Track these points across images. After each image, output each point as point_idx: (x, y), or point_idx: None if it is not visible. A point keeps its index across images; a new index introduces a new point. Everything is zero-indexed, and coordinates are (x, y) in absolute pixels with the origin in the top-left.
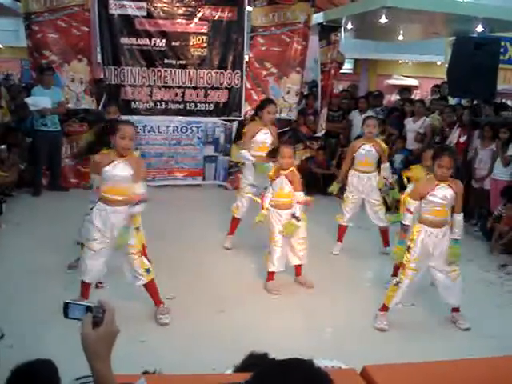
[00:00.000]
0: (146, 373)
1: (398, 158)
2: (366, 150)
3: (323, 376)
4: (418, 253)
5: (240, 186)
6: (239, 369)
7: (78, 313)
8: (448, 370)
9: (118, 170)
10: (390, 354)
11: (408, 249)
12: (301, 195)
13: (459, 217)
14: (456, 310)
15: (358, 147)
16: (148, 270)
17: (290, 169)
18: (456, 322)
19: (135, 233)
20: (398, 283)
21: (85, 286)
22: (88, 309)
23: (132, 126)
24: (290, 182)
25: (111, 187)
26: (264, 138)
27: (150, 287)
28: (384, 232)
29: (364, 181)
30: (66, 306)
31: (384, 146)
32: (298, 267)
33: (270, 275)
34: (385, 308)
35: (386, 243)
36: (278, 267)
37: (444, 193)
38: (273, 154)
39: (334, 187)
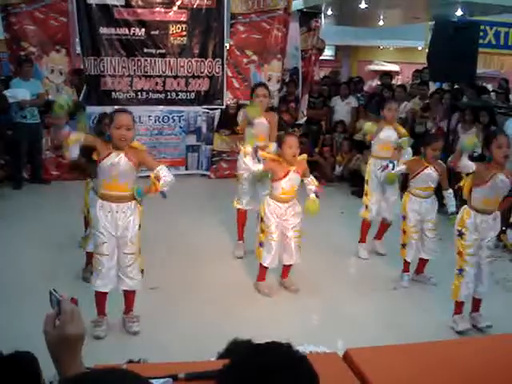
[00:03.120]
0: (130, 362)
1: None
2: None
3: (301, 359)
4: (472, 237)
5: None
6: (222, 356)
7: (53, 304)
8: (431, 351)
9: (115, 162)
10: (375, 339)
11: (461, 235)
12: (313, 180)
13: None
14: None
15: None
16: (142, 271)
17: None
18: (477, 324)
19: (137, 230)
20: (461, 271)
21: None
22: (58, 303)
23: (128, 115)
24: (301, 174)
25: (110, 183)
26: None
27: (133, 293)
28: (385, 226)
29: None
30: (50, 294)
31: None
32: (287, 268)
33: (262, 273)
34: (457, 305)
35: (380, 237)
36: (271, 263)
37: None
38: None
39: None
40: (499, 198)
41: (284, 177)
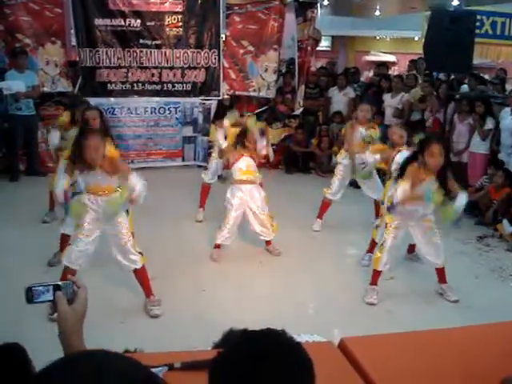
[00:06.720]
0: (126, 352)
1: None
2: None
3: (295, 345)
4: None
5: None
6: (218, 345)
7: (45, 295)
8: (424, 339)
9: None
10: (371, 327)
11: None
12: None
13: None
14: (443, 281)
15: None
16: (141, 253)
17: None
18: (444, 294)
19: (126, 215)
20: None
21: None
22: (57, 287)
23: (96, 137)
24: None
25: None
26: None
27: (142, 274)
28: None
29: None
30: (29, 291)
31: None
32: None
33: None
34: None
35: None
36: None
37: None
38: None
39: None
40: None
41: None
